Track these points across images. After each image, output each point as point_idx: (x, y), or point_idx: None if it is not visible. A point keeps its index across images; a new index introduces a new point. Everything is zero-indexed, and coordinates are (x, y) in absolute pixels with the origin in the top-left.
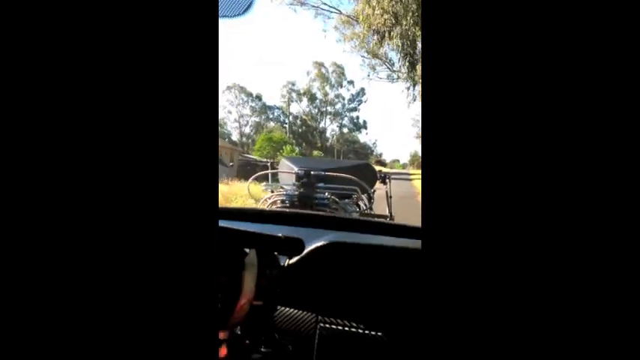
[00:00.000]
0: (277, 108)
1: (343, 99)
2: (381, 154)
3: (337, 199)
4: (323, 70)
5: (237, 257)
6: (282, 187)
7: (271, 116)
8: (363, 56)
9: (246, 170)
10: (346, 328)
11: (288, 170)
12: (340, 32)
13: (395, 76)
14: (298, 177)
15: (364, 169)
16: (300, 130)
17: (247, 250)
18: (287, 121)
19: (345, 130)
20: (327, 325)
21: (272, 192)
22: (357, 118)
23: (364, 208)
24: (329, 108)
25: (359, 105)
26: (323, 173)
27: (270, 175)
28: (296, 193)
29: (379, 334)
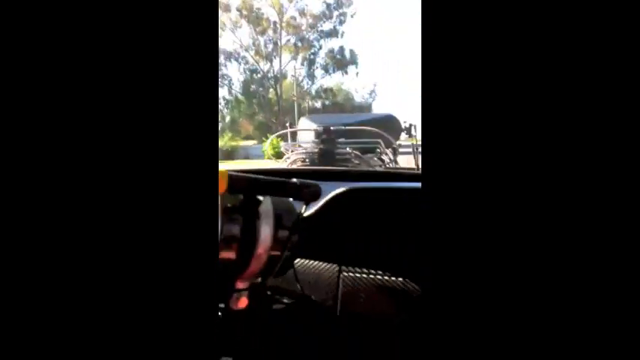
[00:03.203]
0: None
1: (311, 16)
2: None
3: (360, 154)
4: None
5: (250, 205)
6: (299, 145)
7: None
8: None
9: None
10: (370, 277)
11: (307, 128)
12: None
13: None
14: (318, 134)
15: (388, 121)
16: (242, 77)
17: (261, 198)
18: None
19: (320, 72)
20: (351, 274)
21: (292, 151)
22: (341, 49)
23: (388, 161)
24: (290, 36)
25: (340, 24)
26: (344, 128)
27: (289, 134)
28: (316, 149)
29: (403, 280)
